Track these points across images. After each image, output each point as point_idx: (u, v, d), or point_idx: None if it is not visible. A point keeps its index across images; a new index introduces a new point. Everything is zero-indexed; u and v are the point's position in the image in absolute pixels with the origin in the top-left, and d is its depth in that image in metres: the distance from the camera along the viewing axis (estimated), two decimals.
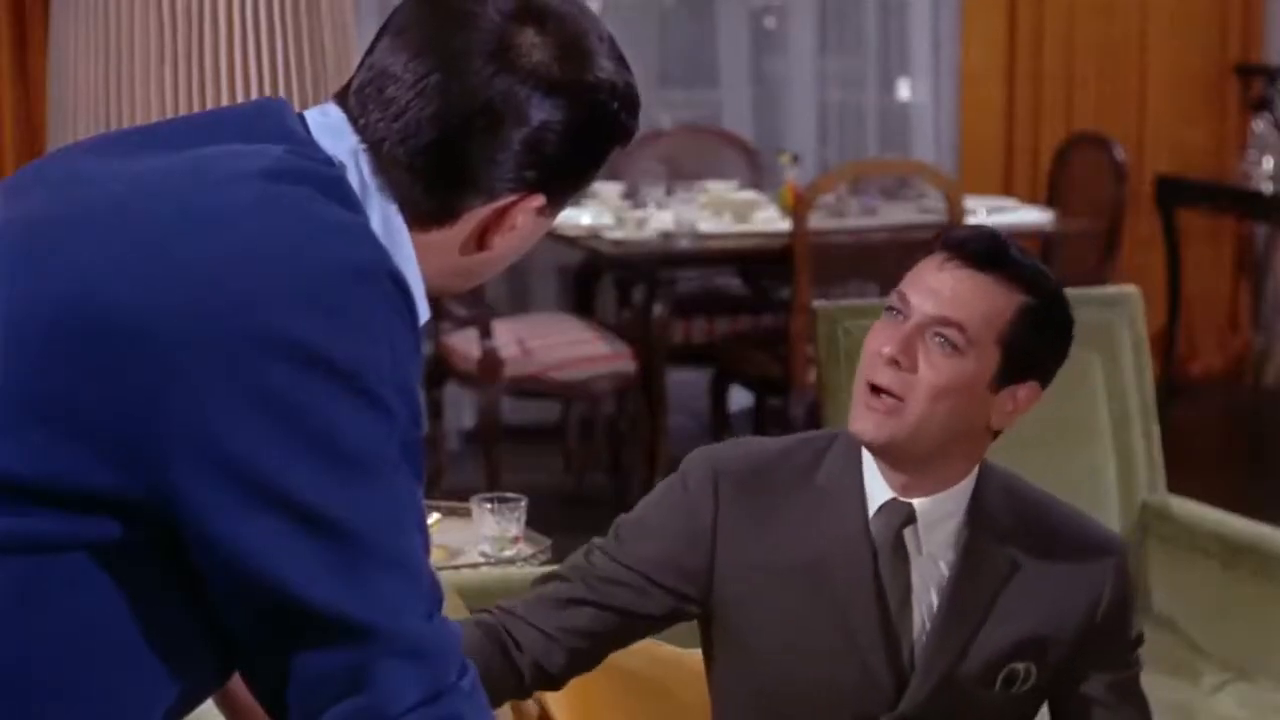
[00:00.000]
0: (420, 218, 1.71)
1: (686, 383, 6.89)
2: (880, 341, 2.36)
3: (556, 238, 6.48)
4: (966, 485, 2.41)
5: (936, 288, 2.35)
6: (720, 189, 6.61)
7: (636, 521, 2.48)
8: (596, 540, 2.49)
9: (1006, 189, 7.57)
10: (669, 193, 6.59)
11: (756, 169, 7.19)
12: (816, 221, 6.07)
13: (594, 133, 1.73)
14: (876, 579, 2.40)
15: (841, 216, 6.22)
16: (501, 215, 1.72)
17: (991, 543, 2.41)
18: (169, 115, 3.67)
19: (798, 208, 6.11)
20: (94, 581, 1.58)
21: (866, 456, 2.42)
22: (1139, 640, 2.51)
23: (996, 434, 2.43)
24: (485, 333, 5.97)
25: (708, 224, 6.29)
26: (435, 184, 1.69)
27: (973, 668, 2.38)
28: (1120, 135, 7.23)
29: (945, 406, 2.34)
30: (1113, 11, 7.78)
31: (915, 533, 2.40)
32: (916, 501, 2.40)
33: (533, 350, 6.06)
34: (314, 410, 1.55)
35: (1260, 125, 7.66)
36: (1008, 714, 2.45)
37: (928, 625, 2.41)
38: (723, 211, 6.41)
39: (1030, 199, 7.30)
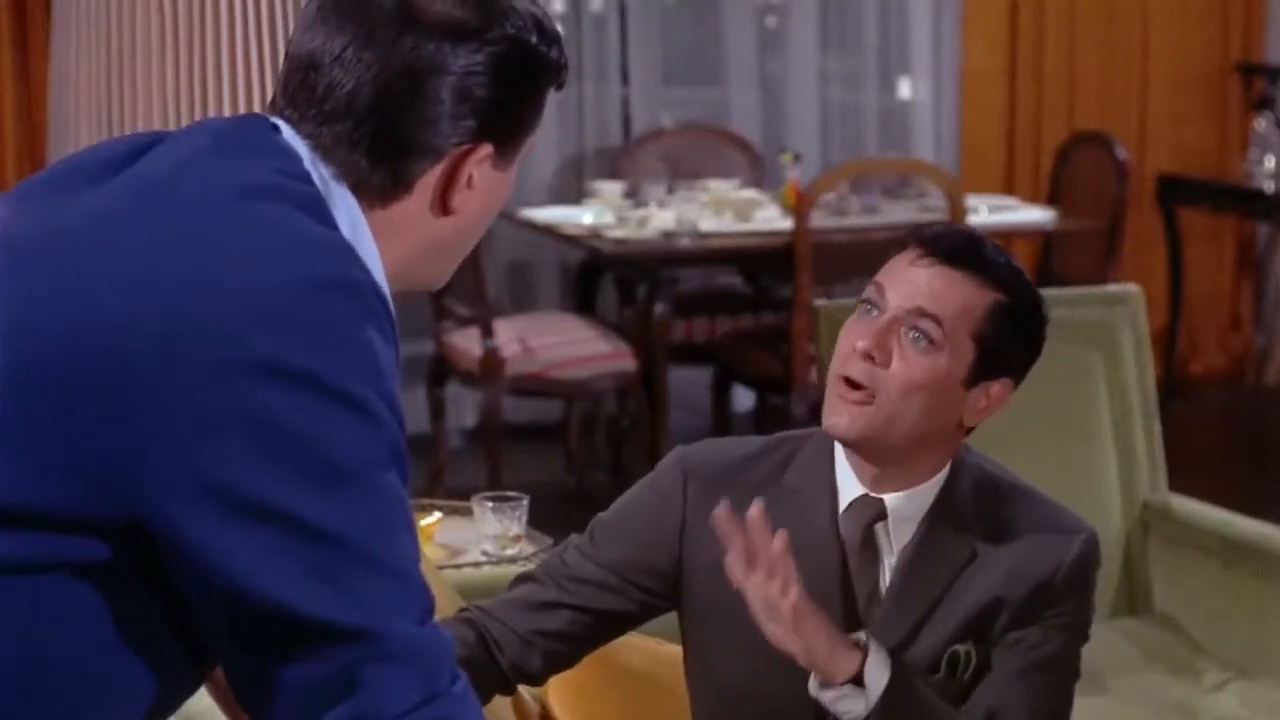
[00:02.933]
0: (376, 194, 1.70)
1: (688, 381, 6.89)
2: (855, 336, 2.36)
3: (558, 236, 6.50)
4: (938, 480, 2.40)
5: (911, 281, 2.35)
6: (722, 188, 6.61)
7: (610, 521, 2.48)
8: (574, 538, 2.50)
9: (1008, 188, 7.57)
10: (670, 191, 6.59)
11: (758, 168, 7.19)
12: (818, 220, 6.07)
13: (519, 69, 1.72)
14: (844, 579, 2.39)
15: (843, 215, 6.23)
16: (454, 172, 1.72)
17: (951, 533, 2.39)
18: (170, 115, 3.68)
19: (799, 206, 6.11)
20: (75, 599, 1.58)
21: (839, 453, 2.41)
22: (1083, 626, 2.42)
23: (969, 431, 2.42)
24: (487, 332, 5.97)
25: (709, 223, 6.29)
26: (379, 155, 1.69)
27: (920, 655, 2.36)
28: (1122, 134, 7.23)
29: (918, 402, 2.33)
30: (1114, 10, 7.78)
31: (886, 529, 2.39)
32: (888, 497, 2.39)
33: (534, 349, 6.06)
34: (295, 424, 1.54)
35: (1262, 124, 7.66)
36: (956, 705, 2.39)
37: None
38: (724, 210, 6.41)
39: (1032, 198, 7.31)
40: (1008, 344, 2.37)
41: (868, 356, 2.33)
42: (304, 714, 1.57)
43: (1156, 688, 3.65)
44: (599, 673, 2.65)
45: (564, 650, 2.44)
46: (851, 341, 2.36)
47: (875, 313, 2.36)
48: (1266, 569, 3.73)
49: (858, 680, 2.26)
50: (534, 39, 1.73)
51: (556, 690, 2.66)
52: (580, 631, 2.44)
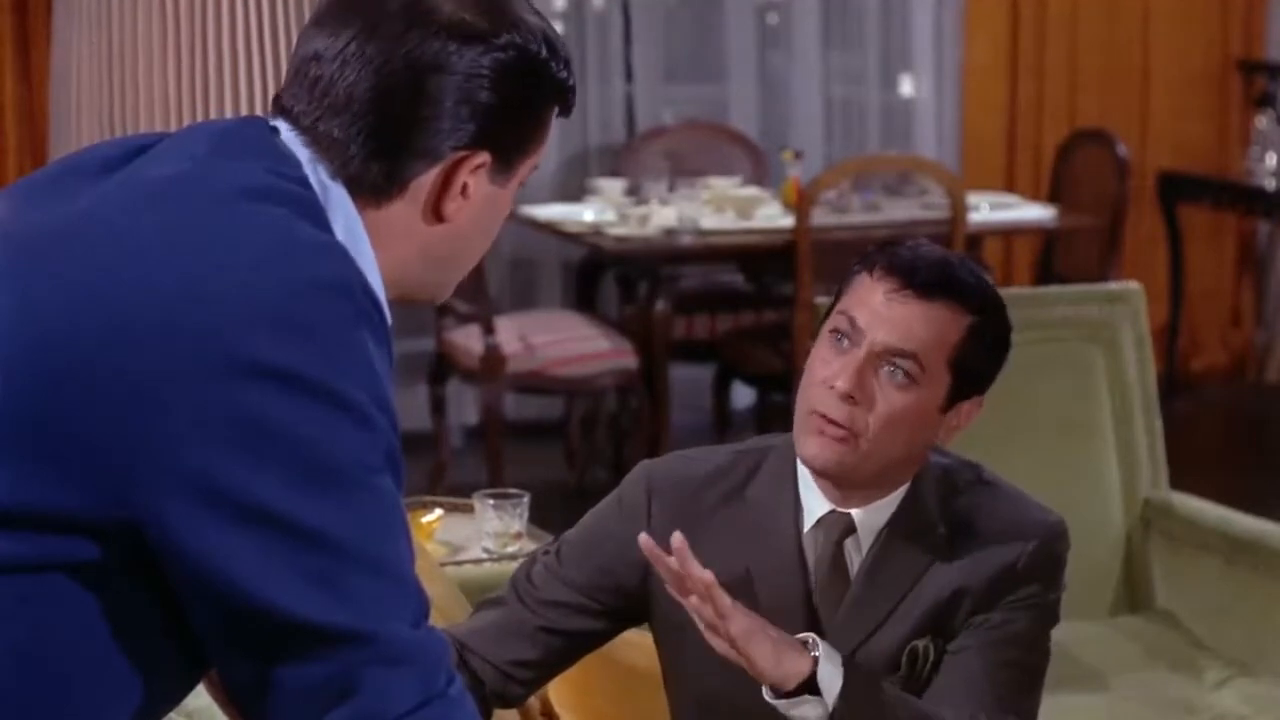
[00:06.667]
0: (370, 193, 1.69)
1: (689, 379, 6.89)
2: (830, 371, 2.32)
3: (559, 234, 6.50)
4: (903, 488, 2.38)
5: (887, 316, 2.30)
6: (723, 185, 6.61)
7: (577, 540, 2.48)
8: (541, 555, 2.49)
9: (1009, 185, 7.57)
10: (672, 189, 6.59)
11: (759, 165, 7.19)
12: (819, 218, 6.07)
13: (524, 79, 1.71)
14: (807, 598, 2.37)
15: (844, 212, 6.22)
16: (449, 178, 1.71)
17: (914, 536, 2.37)
18: (171, 115, 3.68)
19: (800, 204, 6.11)
20: (73, 599, 1.58)
21: (802, 469, 2.39)
22: (1049, 607, 2.39)
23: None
24: (488, 329, 5.97)
25: (710, 220, 6.29)
26: (374, 152, 1.68)
27: (879, 651, 2.34)
28: (1123, 131, 7.23)
29: (898, 436, 2.31)
30: (1115, 7, 7.78)
31: (856, 542, 2.38)
32: (855, 511, 2.37)
33: (535, 346, 6.06)
34: (289, 426, 1.54)
35: (1263, 121, 7.66)
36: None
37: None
38: (725, 208, 6.41)
39: (1033, 195, 7.31)
40: (983, 364, 2.35)
41: (848, 398, 2.29)
42: (302, 717, 1.57)
43: (1158, 685, 3.65)
44: (600, 669, 2.66)
45: (541, 675, 2.46)
46: (824, 375, 2.32)
47: (846, 344, 2.33)
48: (1268, 566, 3.73)
49: (811, 685, 2.23)
50: (543, 53, 1.72)
51: (557, 687, 2.66)
52: (554, 655, 2.44)
